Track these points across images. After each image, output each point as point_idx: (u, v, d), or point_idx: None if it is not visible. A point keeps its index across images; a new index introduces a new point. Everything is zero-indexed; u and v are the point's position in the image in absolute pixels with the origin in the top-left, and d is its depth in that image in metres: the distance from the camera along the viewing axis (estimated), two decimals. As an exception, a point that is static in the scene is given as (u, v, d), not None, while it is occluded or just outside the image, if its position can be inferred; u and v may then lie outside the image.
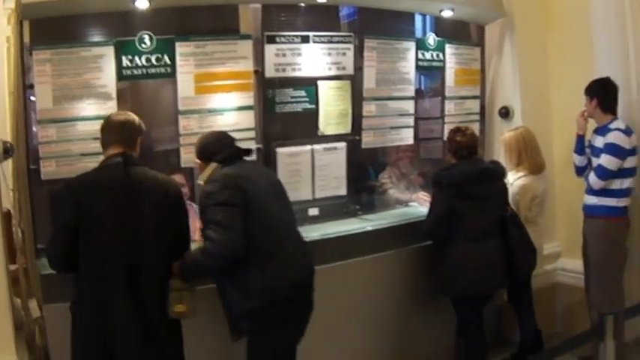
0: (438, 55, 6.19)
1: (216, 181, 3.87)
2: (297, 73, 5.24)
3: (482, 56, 6.61)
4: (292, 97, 5.25)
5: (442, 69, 6.26)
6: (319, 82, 5.37)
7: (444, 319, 5.34)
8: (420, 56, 6.04)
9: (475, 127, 6.33)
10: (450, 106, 6.33)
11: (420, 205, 5.87)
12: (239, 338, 3.96)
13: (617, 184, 5.46)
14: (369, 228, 5.38)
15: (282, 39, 5.14)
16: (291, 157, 5.24)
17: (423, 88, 6.29)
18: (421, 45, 6.05)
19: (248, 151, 4.23)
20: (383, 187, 6.15)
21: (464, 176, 5.00)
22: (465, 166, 5.08)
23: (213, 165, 4.00)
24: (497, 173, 5.22)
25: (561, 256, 6.70)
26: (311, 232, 5.06)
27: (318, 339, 4.79)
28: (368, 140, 5.69)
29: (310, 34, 5.28)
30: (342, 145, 5.52)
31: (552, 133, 6.53)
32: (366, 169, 6.11)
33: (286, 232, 4.02)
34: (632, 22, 6.16)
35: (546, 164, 5.94)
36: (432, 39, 6.14)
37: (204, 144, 4.16)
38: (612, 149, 5.37)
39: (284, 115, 5.23)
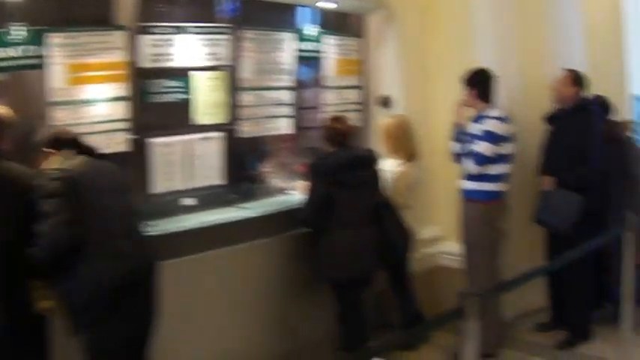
0: (317, 46, 6.42)
1: (47, 174, 3.92)
2: (174, 64, 5.33)
3: (363, 46, 6.87)
4: (168, 88, 5.33)
5: (322, 59, 6.49)
6: (196, 73, 5.49)
7: (326, 306, 5.57)
8: (300, 47, 6.24)
9: (355, 117, 6.64)
10: (329, 96, 6.58)
11: (298, 194, 6.04)
12: (78, 333, 3.98)
13: (493, 170, 5.83)
14: (245, 216, 5.54)
15: (158, 29, 5.22)
16: (166, 147, 5.33)
17: (302, 78, 6.46)
18: (301, 36, 6.26)
19: (90, 148, 4.26)
20: (263, 176, 6.32)
21: (339, 164, 5.27)
22: (340, 153, 5.35)
23: (51, 159, 4.05)
24: (371, 160, 5.51)
25: (443, 240, 7.03)
26: (186, 222, 5.21)
27: (194, 329, 4.98)
28: (246, 130, 5.87)
29: (187, 24, 5.39)
30: (220, 134, 5.66)
31: (432, 121, 6.85)
32: (245, 159, 6.24)
33: (121, 229, 4.05)
34: (512, 12, 6.53)
35: (426, 152, 6.28)
36: (311, 30, 6.36)
37: (45, 139, 4.20)
38: (489, 136, 5.73)
39: (160, 105, 5.30)
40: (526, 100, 6.57)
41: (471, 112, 5.97)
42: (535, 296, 6.60)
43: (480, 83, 5.92)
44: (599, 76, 6.91)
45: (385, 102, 6.72)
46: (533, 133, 6.33)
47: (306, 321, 5.80)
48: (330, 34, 6.55)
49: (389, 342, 5.48)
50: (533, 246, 6.45)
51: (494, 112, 5.84)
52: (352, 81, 6.80)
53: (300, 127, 6.45)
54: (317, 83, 6.62)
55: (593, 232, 5.59)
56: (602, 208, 6.23)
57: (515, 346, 6.30)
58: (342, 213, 5.27)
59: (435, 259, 6.99)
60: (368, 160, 5.51)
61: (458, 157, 6.05)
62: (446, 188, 6.55)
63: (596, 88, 6.49)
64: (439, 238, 7.05)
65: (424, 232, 6.74)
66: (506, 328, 6.40)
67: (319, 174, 5.29)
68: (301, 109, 6.44)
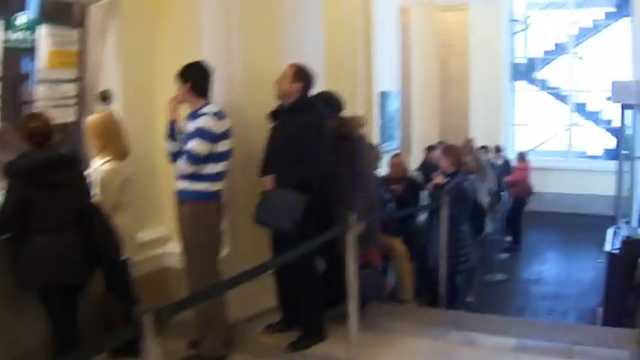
0: (29, 36, 6.21)
1: None
2: None
3: (84, 38, 6.71)
4: None
5: (34, 50, 6.28)
6: None
7: (39, 315, 5.44)
8: (8, 37, 6.00)
9: (71, 112, 6.53)
10: (44, 90, 6.38)
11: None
12: None
13: (209, 169, 5.85)
14: None
15: None
16: None
17: (13, 70, 6.29)
18: (9, 25, 6.01)
19: None
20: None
21: (37, 164, 5.14)
22: (38, 153, 5.22)
23: None
24: (74, 160, 5.44)
25: (168, 241, 7.03)
26: None
27: None
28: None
29: None
30: None
31: (156, 116, 6.78)
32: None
33: None
34: (242, 5, 6.67)
35: (149, 149, 6.25)
36: (22, 18, 6.12)
37: None
38: (202, 134, 5.74)
39: None
40: (253, 95, 6.72)
41: (187, 108, 6.00)
42: (266, 297, 6.77)
43: (194, 77, 5.93)
44: (346, 72, 7.19)
45: (104, 96, 6.59)
46: (259, 130, 6.46)
47: (20, 329, 5.61)
48: (45, 23, 6.34)
49: (101, 347, 5.51)
50: (260, 247, 6.56)
51: (209, 108, 5.86)
52: (70, 74, 6.64)
53: (11, 125, 6.11)
54: (28, 76, 6.41)
55: (319, 231, 5.81)
56: (330, 206, 6.44)
57: (245, 349, 6.40)
58: (43, 217, 5.17)
59: (161, 260, 7.00)
60: (70, 161, 5.43)
61: (174, 156, 6.03)
62: (169, 188, 6.49)
63: (343, 84, 6.74)
64: (164, 238, 7.05)
65: (149, 232, 6.77)
66: (235, 330, 6.51)
67: (14, 176, 5.14)
68: (13, 104, 6.23)
